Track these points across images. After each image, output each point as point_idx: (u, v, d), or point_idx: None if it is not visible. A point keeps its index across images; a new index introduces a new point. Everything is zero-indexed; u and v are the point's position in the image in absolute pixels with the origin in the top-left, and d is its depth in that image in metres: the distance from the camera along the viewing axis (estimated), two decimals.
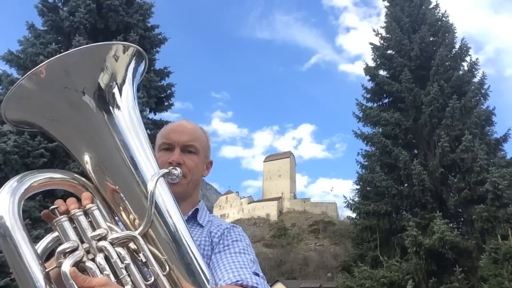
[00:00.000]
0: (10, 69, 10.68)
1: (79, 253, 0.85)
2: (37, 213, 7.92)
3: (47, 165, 9.46)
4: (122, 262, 0.87)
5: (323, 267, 79.79)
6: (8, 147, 8.42)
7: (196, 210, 1.35)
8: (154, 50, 12.91)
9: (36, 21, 11.40)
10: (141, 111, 11.13)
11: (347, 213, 58.05)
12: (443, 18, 16.83)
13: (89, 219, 0.92)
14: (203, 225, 1.32)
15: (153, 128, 11.07)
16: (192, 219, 1.33)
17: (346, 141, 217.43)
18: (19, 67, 10.65)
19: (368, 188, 15.12)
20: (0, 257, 6.80)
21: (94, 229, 0.90)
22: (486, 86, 15.08)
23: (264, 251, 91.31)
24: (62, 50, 10.84)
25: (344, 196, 15.07)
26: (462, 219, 14.27)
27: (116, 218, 1.03)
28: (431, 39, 16.38)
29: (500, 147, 14.77)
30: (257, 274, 1.11)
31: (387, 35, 17.54)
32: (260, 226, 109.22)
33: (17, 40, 10.93)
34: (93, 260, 0.86)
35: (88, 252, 0.87)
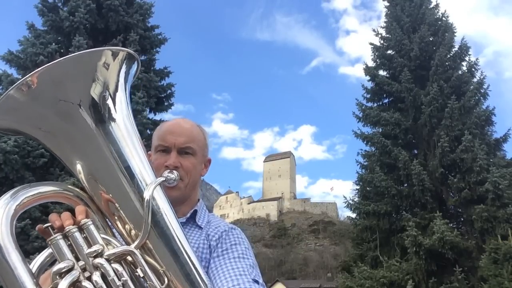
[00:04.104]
0: (10, 69, 10.71)
1: (75, 272, 0.82)
2: (37, 213, 7.93)
3: (47, 165, 9.46)
4: (119, 279, 0.84)
5: (323, 267, 79.88)
6: (8, 147, 8.44)
7: (195, 212, 1.34)
8: (154, 50, 12.92)
9: (36, 21, 11.44)
10: (141, 111, 11.16)
11: (347, 213, 58.19)
12: (443, 18, 16.85)
13: (84, 235, 0.89)
14: (202, 226, 1.31)
15: (153, 128, 11.05)
16: (190, 220, 1.31)
17: (346, 142, 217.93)
18: (19, 67, 10.66)
19: (368, 188, 15.12)
20: None
21: (90, 245, 0.87)
22: (485, 86, 15.11)
23: (264, 251, 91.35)
24: (62, 50, 10.85)
25: (344, 196, 15.11)
26: (462, 219, 14.25)
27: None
28: (431, 38, 16.38)
29: (500, 147, 14.78)
30: (256, 281, 1.10)
31: (387, 35, 17.56)
32: (260, 226, 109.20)
33: (17, 40, 10.96)
34: (89, 278, 0.83)
35: (84, 270, 0.84)
